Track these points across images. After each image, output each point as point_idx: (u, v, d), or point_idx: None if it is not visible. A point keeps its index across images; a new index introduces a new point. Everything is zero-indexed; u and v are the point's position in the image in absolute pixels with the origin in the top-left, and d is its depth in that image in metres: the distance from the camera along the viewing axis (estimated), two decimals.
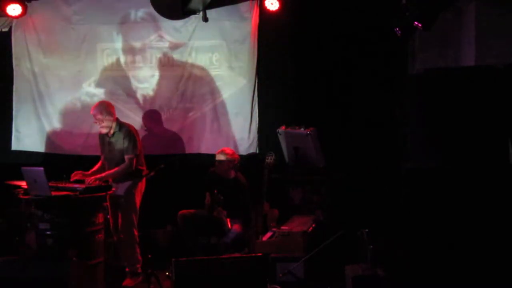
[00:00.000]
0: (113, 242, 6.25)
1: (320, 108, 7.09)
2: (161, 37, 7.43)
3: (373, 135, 6.96)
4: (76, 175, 5.99)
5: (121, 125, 6.21)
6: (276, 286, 5.55)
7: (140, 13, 7.38)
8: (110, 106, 6.24)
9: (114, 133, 6.18)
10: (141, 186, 6.22)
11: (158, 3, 6.84)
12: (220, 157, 6.56)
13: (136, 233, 6.16)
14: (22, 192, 5.70)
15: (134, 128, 6.33)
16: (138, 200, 6.18)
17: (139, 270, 6.14)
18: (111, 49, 7.51)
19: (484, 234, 5.76)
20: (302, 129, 6.63)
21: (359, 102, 7.03)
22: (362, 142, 6.97)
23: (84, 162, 6.50)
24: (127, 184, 6.10)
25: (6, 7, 7.16)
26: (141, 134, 7.29)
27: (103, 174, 6.02)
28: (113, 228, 6.20)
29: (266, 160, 6.48)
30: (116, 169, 6.06)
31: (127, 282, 6.07)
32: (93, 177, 5.93)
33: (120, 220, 6.15)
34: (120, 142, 6.13)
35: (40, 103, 7.57)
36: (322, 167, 6.80)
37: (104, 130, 6.17)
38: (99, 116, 6.12)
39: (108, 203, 6.05)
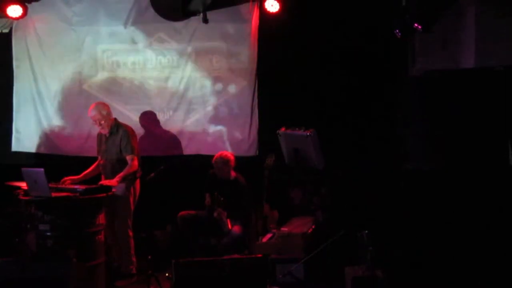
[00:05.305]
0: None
1: (320, 109, 7.09)
2: (161, 38, 7.43)
3: (373, 136, 6.96)
4: (65, 181, 5.97)
5: (118, 126, 6.22)
6: (275, 287, 5.55)
7: (140, 14, 7.38)
8: (107, 106, 6.28)
9: (111, 133, 6.19)
10: (135, 187, 6.19)
11: (158, 4, 6.85)
12: (218, 161, 6.55)
13: (130, 234, 6.15)
14: (22, 193, 5.67)
15: (132, 129, 6.34)
16: (132, 201, 6.16)
17: (133, 271, 6.14)
18: (111, 50, 7.50)
19: (484, 235, 5.78)
20: (302, 131, 6.62)
21: (359, 103, 7.03)
22: (362, 142, 6.98)
23: (84, 163, 6.49)
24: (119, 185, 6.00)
25: (6, 9, 7.13)
26: (141, 135, 7.31)
27: (109, 181, 5.94)
28: (106, 229, 6.12)
29: (266, 161, 6.47)
30: (122, 173, 5.98)
31: (121, 283, 6.06)
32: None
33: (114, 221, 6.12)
34: (117, 143, 6.13)
35: (40, 104, 7.56)
36: (322, 168, 6.80)
37: (105, 130, 6.18)
38: (99, 117, 6.13)
39: None
